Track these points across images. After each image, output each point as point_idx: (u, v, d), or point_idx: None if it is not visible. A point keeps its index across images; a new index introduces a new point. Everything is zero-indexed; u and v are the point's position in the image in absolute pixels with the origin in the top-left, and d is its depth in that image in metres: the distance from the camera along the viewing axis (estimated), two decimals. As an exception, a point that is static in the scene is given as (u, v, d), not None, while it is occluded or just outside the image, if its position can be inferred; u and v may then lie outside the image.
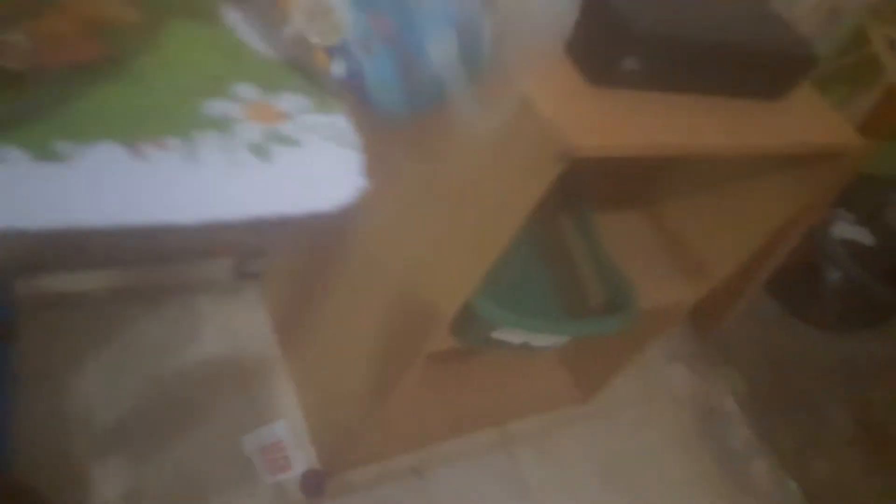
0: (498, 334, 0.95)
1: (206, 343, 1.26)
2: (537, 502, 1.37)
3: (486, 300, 0.87)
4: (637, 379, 1.72)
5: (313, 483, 1.19)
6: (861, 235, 2.17)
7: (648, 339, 1.37)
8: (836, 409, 1.95)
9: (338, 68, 0.62)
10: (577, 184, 1.18)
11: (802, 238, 1.67)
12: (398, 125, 0.67)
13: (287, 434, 1.22)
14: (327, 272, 1.14)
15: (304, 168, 0.56)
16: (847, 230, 2.14)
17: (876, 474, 1.83)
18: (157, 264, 1.28)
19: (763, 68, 0.91)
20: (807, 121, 0.99)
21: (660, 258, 1.26)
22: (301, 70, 0.62)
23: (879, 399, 2.03)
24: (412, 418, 1.33)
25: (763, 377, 1.92)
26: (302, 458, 1.21)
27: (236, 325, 1.31)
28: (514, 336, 0.97)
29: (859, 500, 1.75)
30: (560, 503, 1.39)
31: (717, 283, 1.25)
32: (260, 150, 0.55)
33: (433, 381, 1.39)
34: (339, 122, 0.60)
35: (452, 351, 1.34)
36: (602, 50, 0.76)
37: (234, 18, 0.64)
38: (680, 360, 1.84)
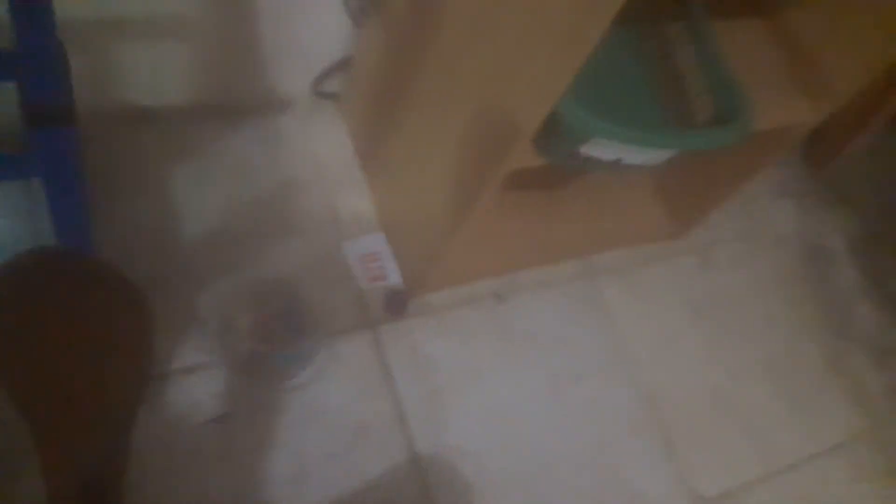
0: (587, 148, 0.88)
1: (287, 164, 1.24)
2: (618, 330, 1.34)
3: (575, 105, 0.79)
4: (738, 216, 1.61)
5: (396, 302, 1.20)
6: None
7: (756, 168, 1.25)
8: (958, 255, 1.79)
9: None
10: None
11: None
12: None
13: (384, 246, 1.23)
14: (405, 88, 1.07)
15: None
16: None
17: None
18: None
19: None
20: None
21: (779, 72, 1.11)
22: None
23: None
24: (496, 245, 1.30)
25: (878, 219, 1.77)
26: (396, 272, 1.21)
27: (316, 146, 1.28)
28: (605, 151, 0.89)
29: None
30: (643, 333, 1.36)
31: (841, 105, 1.11)
32: None
33: (518, 210, 1.35)
34: None
35: (538, 176, 1.28)
36: None
37: None
38: (788, 197, 1.71)
